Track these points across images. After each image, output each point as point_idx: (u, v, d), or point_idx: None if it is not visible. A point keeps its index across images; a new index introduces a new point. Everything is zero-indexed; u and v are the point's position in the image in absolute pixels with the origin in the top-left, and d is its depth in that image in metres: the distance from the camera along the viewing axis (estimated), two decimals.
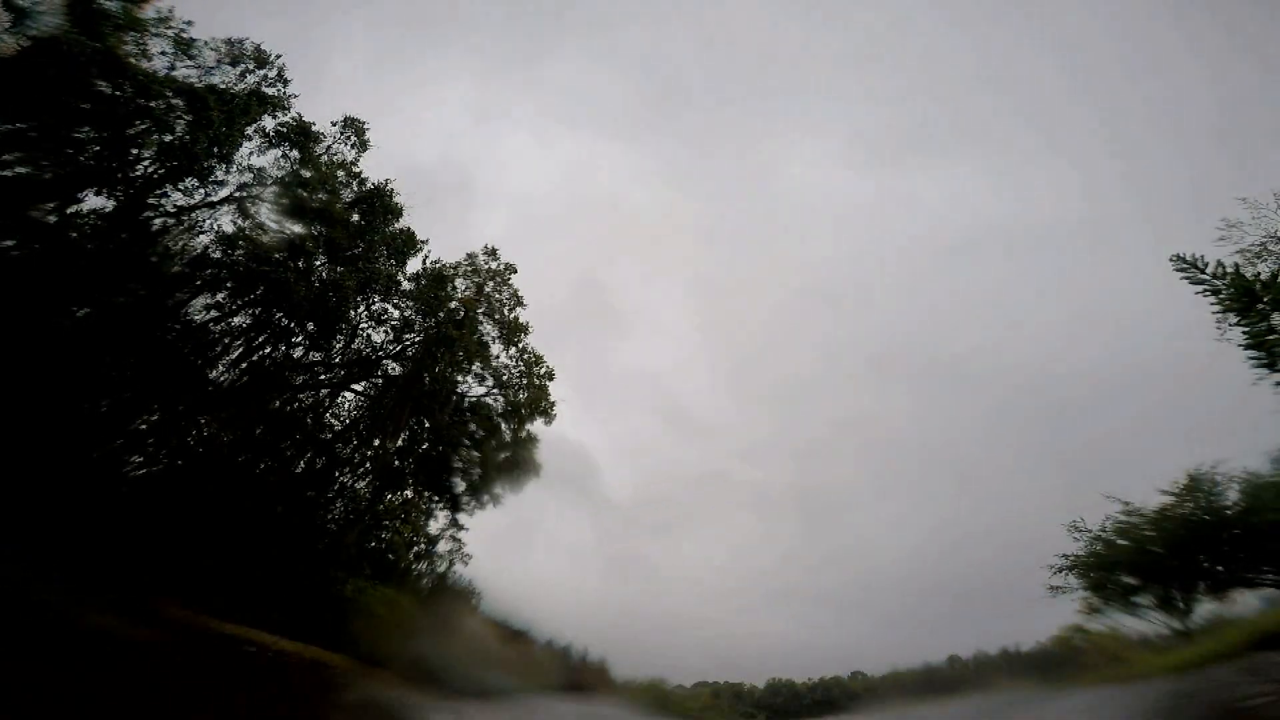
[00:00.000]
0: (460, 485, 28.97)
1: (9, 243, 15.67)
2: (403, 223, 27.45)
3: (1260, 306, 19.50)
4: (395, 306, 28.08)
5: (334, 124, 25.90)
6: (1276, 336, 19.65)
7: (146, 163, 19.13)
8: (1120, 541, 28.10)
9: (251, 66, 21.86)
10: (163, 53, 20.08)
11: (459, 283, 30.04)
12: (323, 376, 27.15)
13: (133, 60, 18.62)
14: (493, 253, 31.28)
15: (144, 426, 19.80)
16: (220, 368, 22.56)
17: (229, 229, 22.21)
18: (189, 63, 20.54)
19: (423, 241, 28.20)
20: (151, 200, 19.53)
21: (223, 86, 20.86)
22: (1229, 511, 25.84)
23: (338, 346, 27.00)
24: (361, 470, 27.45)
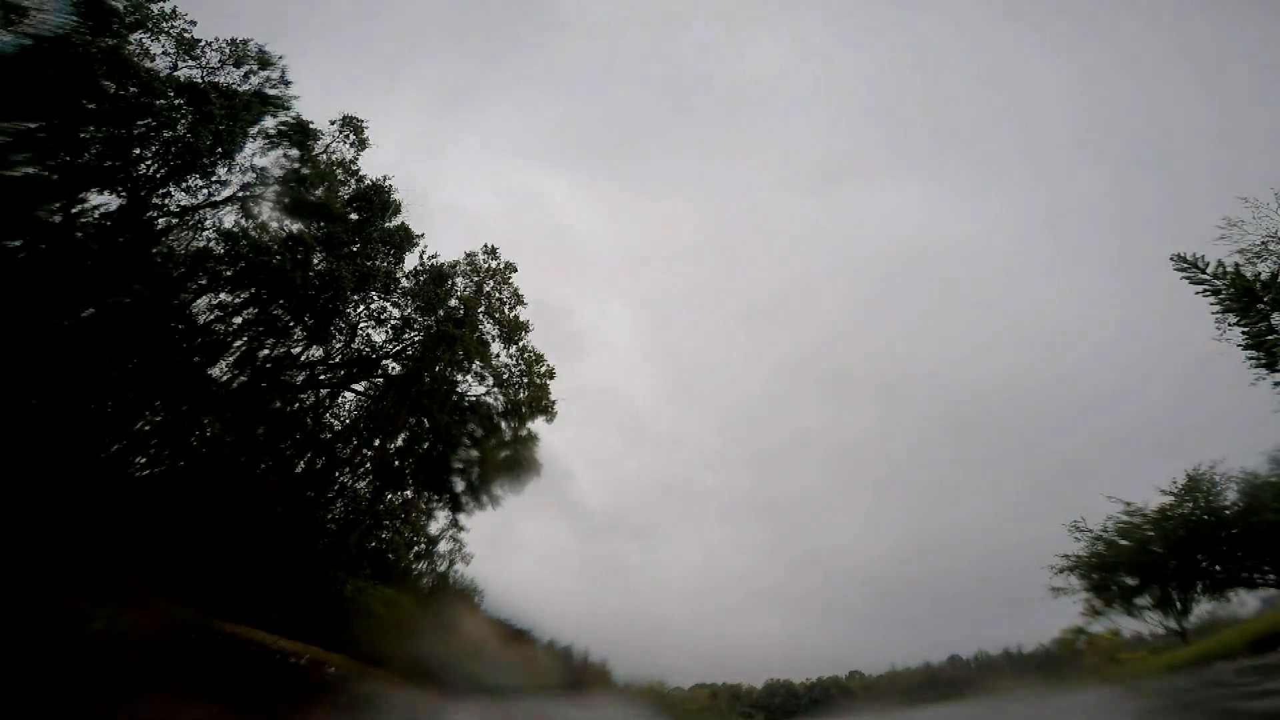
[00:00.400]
0: (460, 485, 28.93)
1: (15, 243, 15.66)
2: (400, 219, 27.45)
3: (1260, 306, 19.54)
4: (394, 305, 28.06)
5: (332, 123, 26.01)
6: (1276, 336, 19.69)
7: (150, 161, 19.14)
8: (1122, 542, 28.13)
9: (255, 68, 21.91)
10: (165, 53, 20.13)
11: (459, 281, 30.01)
12: (323, 377, 27.13)
13: (136, 59, 18.64)
14: (492, 251, 31.27)
15: (146, 428, 19.79)
16: (222, 367, 22.56)
17: (231, 227, 22.22)
18: (191, 62, 20.59)
19: (419, 235, 28.19)
20: (155, 200, 19.53)
21: (226, 85, 20.89)
22: (1227, 511, 25.88)
23: (337, 346, 26.99)
24: (361, 470, 27.44)
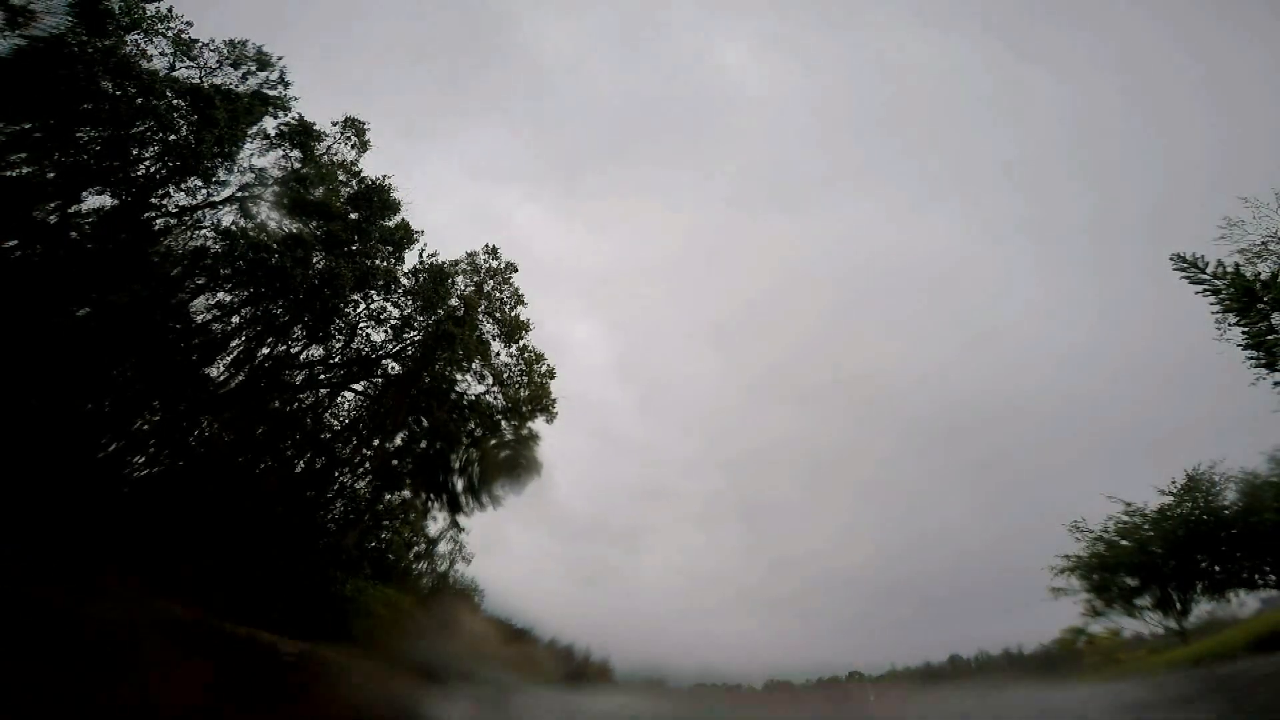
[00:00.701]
0: (460, 484, 28.87)
1: (11, 243, 15.65)
2: (400, 217, 27.44)
3: (1260, 306, 19.54)
4: (394, 305, 28.04)
5: (334, 124, 26.01)
6: (1276, 336, 19.69)
7: (148, 162, 19.13)
8: (1123, 542, 28.13)
9: (254, 69, 21.92)
10: (162, 53, 20.09)
11: (459, 280, 29.98)
12: (322, 376, 27.13)
13: (133, 60, 18.62)
14: (493, 251, 31.22)
15: (145, 427, 19.79)
16: (220, 367, 22.57)
17: (231, 227, 22.22)
18: (189, 63, 20.57)
19: (419, 232, 28.15)
20: (154, 200, 19.52)
21: (226, 87, 20.90)
22: (1226, 511, 25.88)
23: (337, 346, 26.99)
24: (361, 470, 27.43)
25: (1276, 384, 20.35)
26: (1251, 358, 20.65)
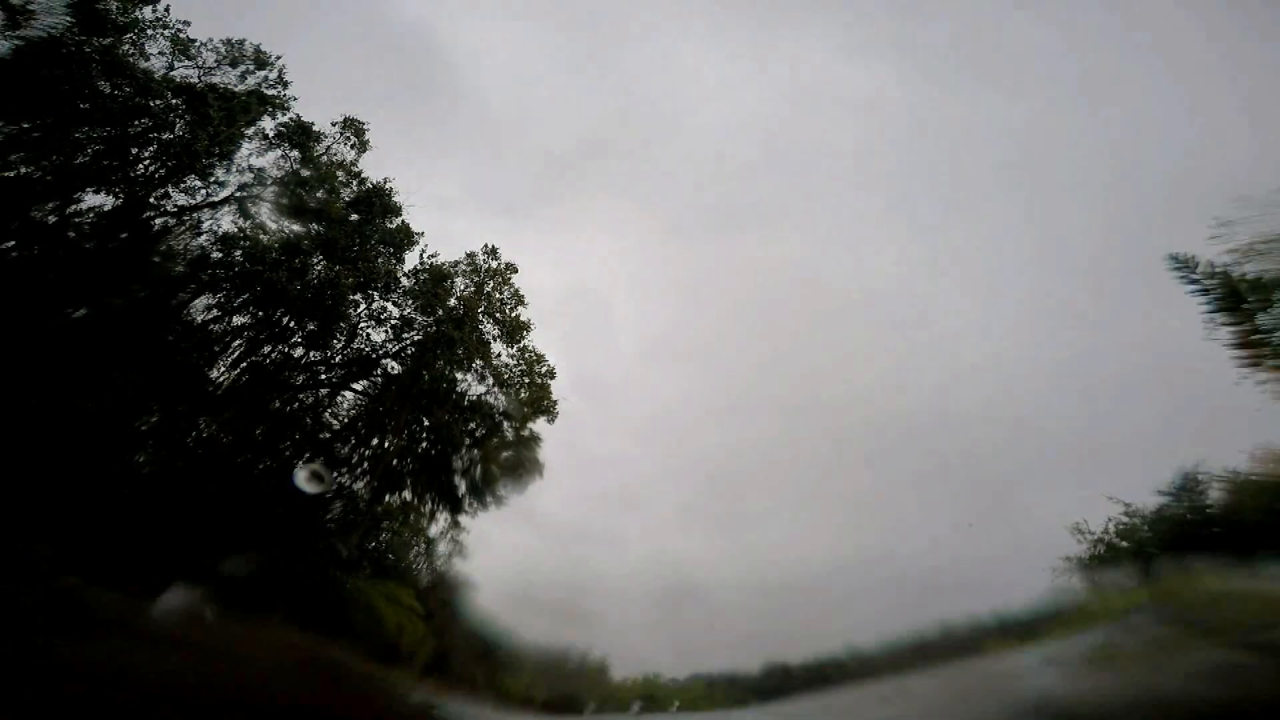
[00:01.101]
0: (462, 485, 28.87)
1: (9, 244, 15.63)
2: (400, 219, 27.46)
3: (1245, 306, 20.04)
4: (394, 304, 28.04)
5: (334, 124, 25.97)
6: (1260, 336, 20.15)
7: (147, 162, 19.11)
8: (1123, 544, 28.48)
9: (252, 68, 21.89)
10: (160, 53, 20.08)
11: (459, 281, 29.95)
12: (322, 376, 27.12)
13: (130, 59, 18.59)
14: (493, 252, 31.14)
15: (144, 428, 19.79)
16: (220, 368, 22.56)
17: (230, 229, 22.23)
18: (187, 63, 20.56)
19: (419, 233, 28.18)
20: (153, 200, 19.50)
21: (223, 86, 20.88)
22: (1210, 510, 26.23)
23: (337, 346, 26.98)
24: (360, 470, 27.42)
25: (1259, 383, 20.72)
26: (1238, 358, 21.09)
